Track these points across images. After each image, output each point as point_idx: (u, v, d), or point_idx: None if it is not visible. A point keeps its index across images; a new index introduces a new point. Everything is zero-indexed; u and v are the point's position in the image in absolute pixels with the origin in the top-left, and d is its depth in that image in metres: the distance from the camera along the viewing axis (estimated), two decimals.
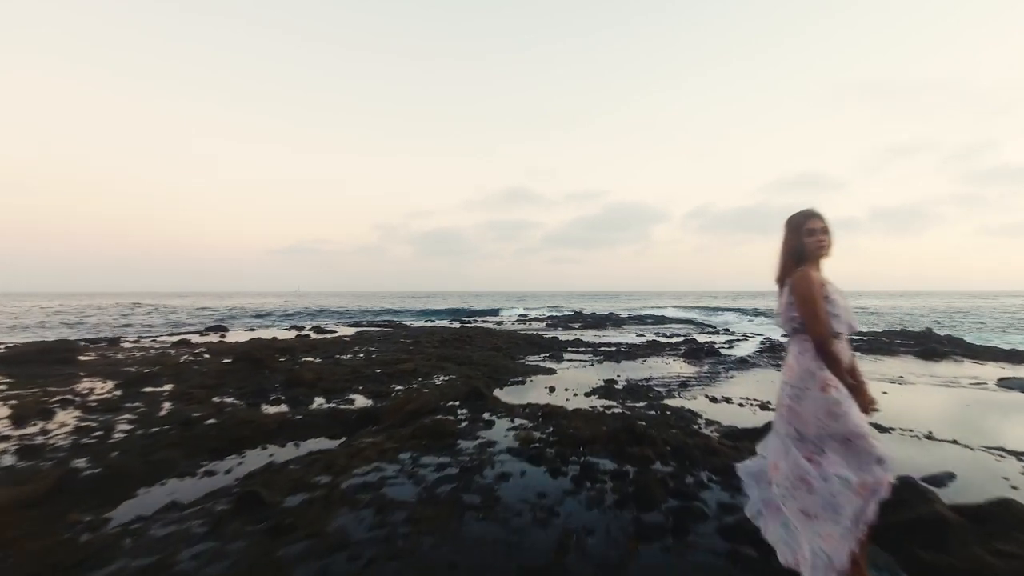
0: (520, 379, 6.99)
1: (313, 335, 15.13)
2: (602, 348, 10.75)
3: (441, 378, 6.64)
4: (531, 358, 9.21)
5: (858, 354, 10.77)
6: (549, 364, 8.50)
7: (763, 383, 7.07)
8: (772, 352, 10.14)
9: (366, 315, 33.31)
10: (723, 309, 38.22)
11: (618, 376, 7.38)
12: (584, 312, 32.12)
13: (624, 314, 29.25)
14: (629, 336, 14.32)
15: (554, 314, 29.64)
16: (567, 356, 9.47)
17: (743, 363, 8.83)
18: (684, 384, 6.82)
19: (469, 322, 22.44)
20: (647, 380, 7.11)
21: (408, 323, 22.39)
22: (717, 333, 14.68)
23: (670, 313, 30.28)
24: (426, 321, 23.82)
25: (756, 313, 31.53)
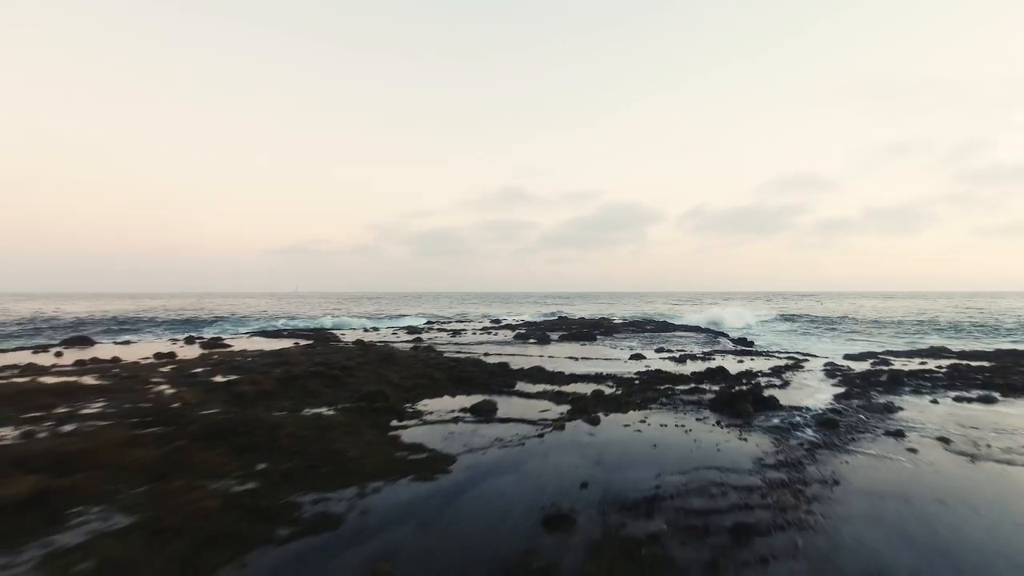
0: (330, 525, 2.90)
1: (181, 353, 10.96)
2: (572, 387, 6.67)
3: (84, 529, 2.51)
4: (430, 415, 5.11)
5: (997, 395, 6.81)
6: (454, 440, 4.40)
7: (911, 504, 3.03)
8: (861, 396, 6.12)
9: (320, 319, 29.07)
10: (732, 312, 34.35)
11: (584, 486, 3.31)
12: (571, 316, 28.07)
13: (618, 319, 25.24)
14: (621, 356, 10.25)
15: (535, 319, 25.53)
16: (504, 409, 5.39)
17: (830, 427, 4.80)
18: (743, 527, 2.75)
19: (424, 331, 18.30)
20: (650, 500, 3.05)
21: (343, 332, 18.20)
22: (748, 354, 10.62)
23: (673, 317, 26.29)
24: (365, 330, 19.65)
25: (784, 320, 27.54)
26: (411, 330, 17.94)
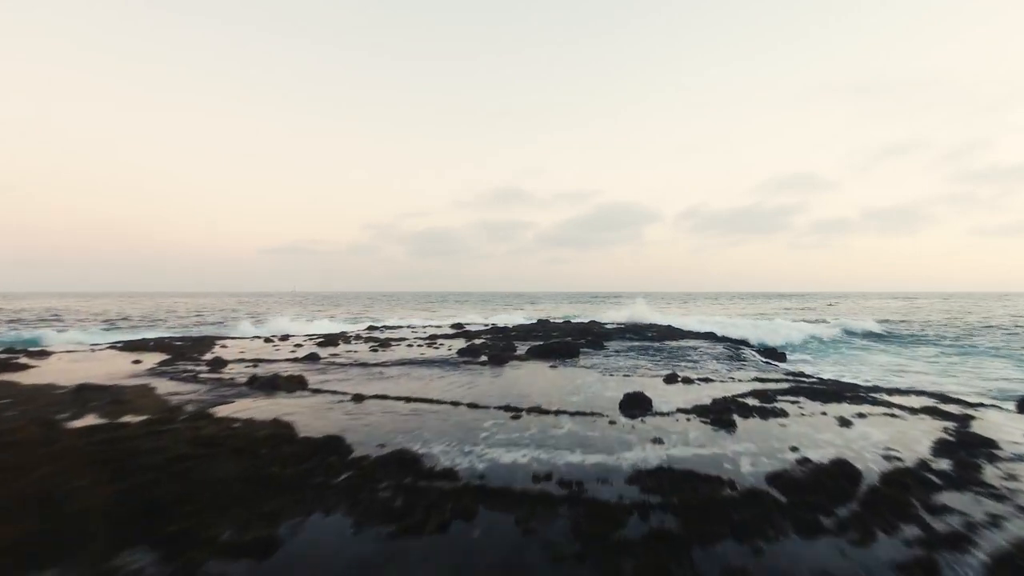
0: None
1: None
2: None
3: None
4: None
5: None
6: None
7: None
8: None
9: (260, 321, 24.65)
10: (745, 315, 30.24)
11: None
12: (553, 320, 23.73)
13: (612, 324, 20.90)
14: (608, 396, 5.90)
15: (509, 324, 21.15)
16: None
17: None
18: None
19: (350, 339, 13.86)
20: None
21: (225, 341, 13.71)
22: (831, 398, 6.23)
23: (678, 321, 21.96)
24: (266, 340, 15.20)
25: (807, 323, 22.87)
26: (329, 339, 13.49)
